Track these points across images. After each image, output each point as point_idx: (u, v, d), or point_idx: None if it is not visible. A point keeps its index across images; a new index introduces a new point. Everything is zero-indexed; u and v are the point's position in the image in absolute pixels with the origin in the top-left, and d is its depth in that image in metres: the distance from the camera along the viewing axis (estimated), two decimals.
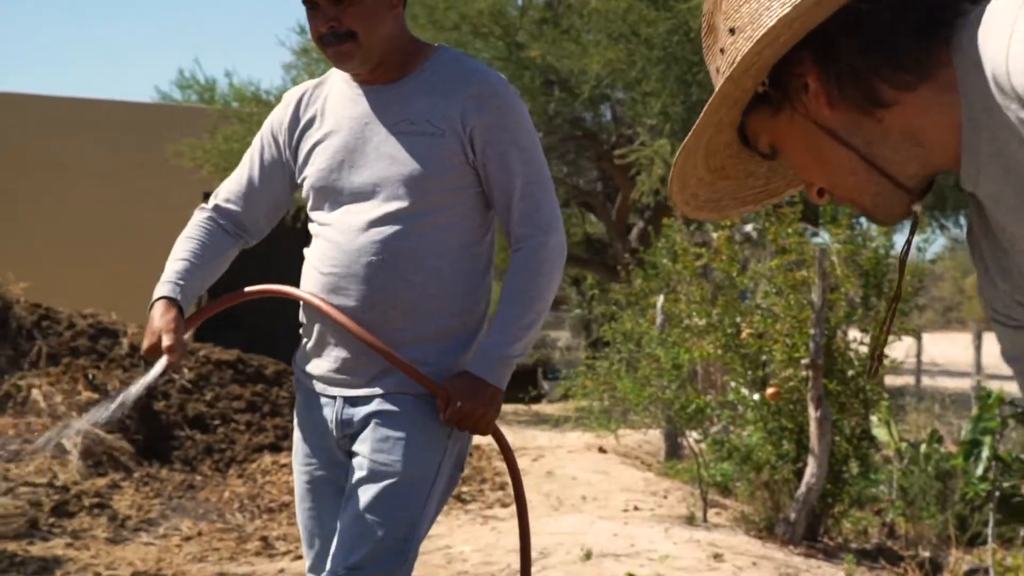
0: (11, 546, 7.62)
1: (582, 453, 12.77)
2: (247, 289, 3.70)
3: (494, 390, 3.40)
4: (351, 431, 3.45)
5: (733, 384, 9.39)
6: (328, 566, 3.37)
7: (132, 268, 21.51)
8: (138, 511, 8.56)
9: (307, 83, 3.69)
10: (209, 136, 19.03)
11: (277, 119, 3.67)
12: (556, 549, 7.68)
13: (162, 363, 3.39)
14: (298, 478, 3.61)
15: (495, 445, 13.10)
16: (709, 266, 9.80)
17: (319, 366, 3.53)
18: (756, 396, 8.84)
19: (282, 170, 3.67)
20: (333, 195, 3.50)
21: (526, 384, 18.81)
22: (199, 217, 3.71)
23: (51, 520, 8.19)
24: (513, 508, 9.17)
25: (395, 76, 3.48)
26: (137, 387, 3.50)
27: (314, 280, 3.51)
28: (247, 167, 3.71)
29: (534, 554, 7.66)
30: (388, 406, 3.41)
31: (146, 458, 9.66)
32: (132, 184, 20.94)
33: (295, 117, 3.63)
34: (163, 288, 3.49)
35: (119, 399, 3.49)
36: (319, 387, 3.53)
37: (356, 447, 3.43)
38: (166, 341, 3.36)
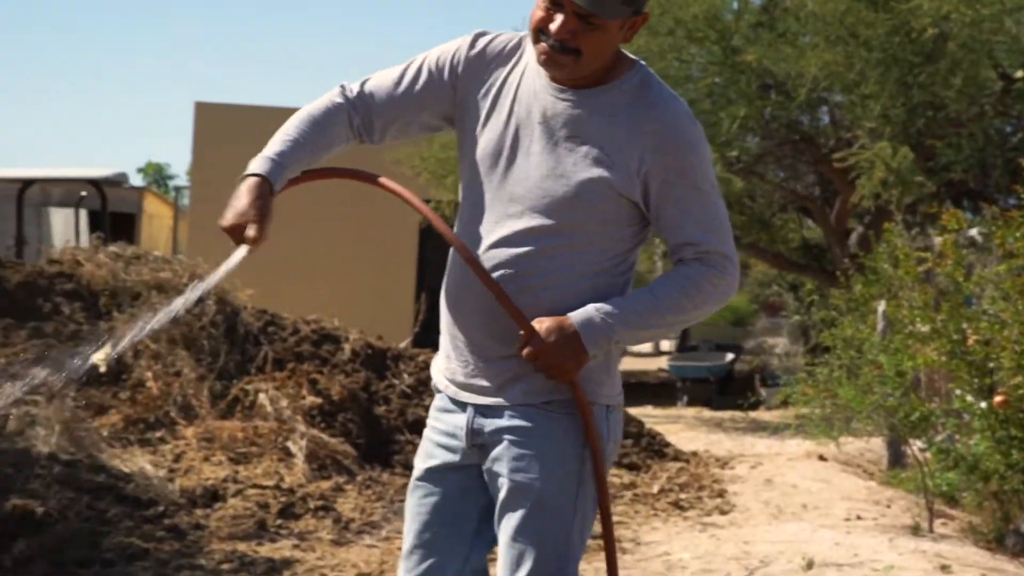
0: (241, 547, 7.86)
1: (802, 461, 12.58)
2: (381, 180, 3.54)
3: (580, 347, 3.25)
4: (481, 441, 3.39)
5: (958, 392, 9.14)
6: None
7: (352, 275, 22.01)
8: (361, 514, 8.73)
9: (504, 38, 3.51)
10: (427, 144, 19.32)
11: (463, 54, 3.48)
12: (777, 557, 7.58)
13: (242, 252, 3.26)
14: (416, 468, 3.55)
15: (713, 453, 13.00)
16: (932, 271, 9.57)
17: (451, 370, 3.47)
18: (983, 404, 8.59)
19: (438, 100, 3.51)
20: (484, 182, 3.40)
21: (744, 391, 18.62)
22: (333, 100, 3.51)
23: (278, 522, 8.42)
24: (732, 515, 9.09)
25: (583, 84, 3.35)
26: (216, 275, 3.38)
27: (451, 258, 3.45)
28: (409, 75, 3.51)
29: (754, 562, 7.57)
30: (519, 421, 3.33)
31: (368, 462, 9.85)
32: (352, 192, 21.38)
33: (481, 67, 3.47)
34: (262, 164, 3.34)
35: (198, 288, 3.43)
36: (451, 391, 3.47)
37: (493, 466, 3.37)
38: (250, 232, 3.24)
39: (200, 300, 3.45)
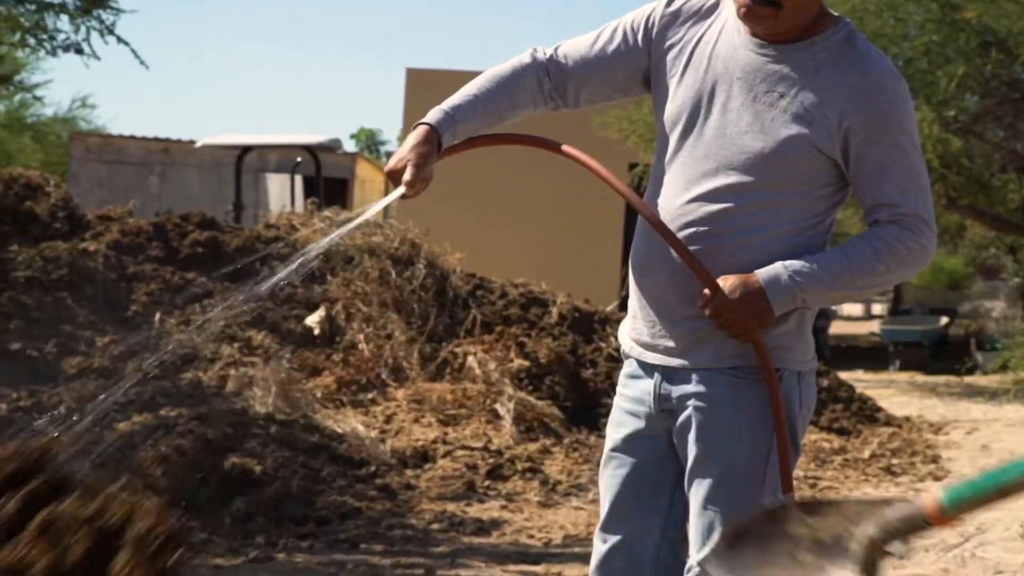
0: (450, 507, 7.99)
1: (1020, 427, 12.22)
2: (565, 148, 3.53)
3: (765, 306, 3.18)
4: (668, 406, 3.33)
5: None
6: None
7: (560, 239, 22.09)
8: (568, 476, 8.79)
9: None
10: (635, 107, 19.23)
11: (657, 14, 3.42)
12: (994, 525, 7.40)
13: (397, 193, 3.29)
14: (608, 439, 3.51)
15: (926, 418, 12.70)
16: None
17: (637, 331, 3.42)
18: None
19: (632, 60, 3.45)
20: (679, 140, 3.34)
21: (958, 355, 18.15)
22: (522, 62, 3.49)
23: (487, 483, 8.53)
24: (946, 482, 8.87)
25: (784, 39, 3.26)
26: (370, 211, 3.45)
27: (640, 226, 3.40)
28: (604, 37, 3.47)
29: (970, 528, 7.40)
30: (706, 386, 3.27)
31: (575, 424, 9.91)
32: (558, 157, 21.42)
33: (676, 25, 3.41)
34: (434, 115, 3.35)
35: (354, 220, 3.47)
36: (637, 352, 3.42)
37: (681, 432, 3.32)
38: (407, 176, 3.25)
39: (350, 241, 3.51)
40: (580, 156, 3.51)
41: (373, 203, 3.47)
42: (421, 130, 3.32)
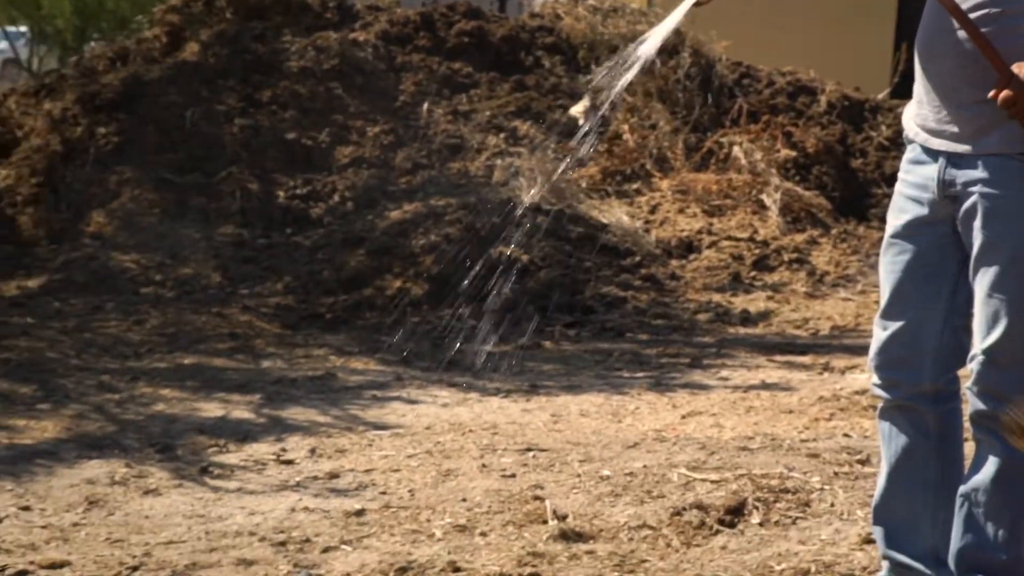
0: (716, 297, 7.99)
1: None
2: None
3: None
4: (952, 192, 3.20)
5: None
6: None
7: (828, 24, 21.40)
8: (836, 267, 8.67)
9: None
10: None
11: None
12: None
13: (689, 3, 3.25)
14: (889, 225, 3.40)
15: None
16: None
17: (922, 116, 3.29)
18: None
19: None
20: None
21: None
22: None
23: (752, 273, 8.49)
24: None
25: None
26: (670, 21, 3.39)
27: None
28: None
29: None
30: (993, 173, 3.14)
31: (843, 215, 9.72)
32: None
33: None
34: None
35: (659, 30, 3.42)
36: (922, 138, 3.29)
37: (966, 219, 3.19)
38: None
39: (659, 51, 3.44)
40: None
41: (669, 18, 3.41)
42: None
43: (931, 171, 3.29)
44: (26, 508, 4.44)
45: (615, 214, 8.95)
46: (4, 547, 4.05)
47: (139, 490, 4.65)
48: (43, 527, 4.26)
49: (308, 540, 4.11)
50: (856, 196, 10.06)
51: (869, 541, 3.95)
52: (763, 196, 9.50)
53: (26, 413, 5.62)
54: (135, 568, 3.89)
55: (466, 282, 7.54)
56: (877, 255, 3.58)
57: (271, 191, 8.88)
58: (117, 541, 4.13)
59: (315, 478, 4.78)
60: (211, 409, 5.76)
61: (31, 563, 3.85)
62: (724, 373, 6.52)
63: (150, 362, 6.58)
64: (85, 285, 7.84)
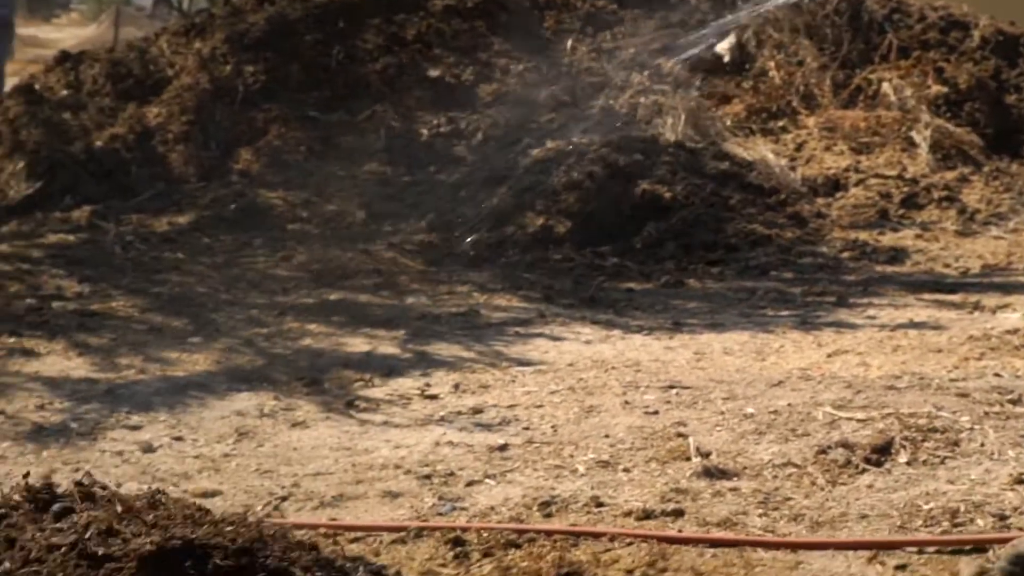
0: (862, 235, 7.86)
1: None
2: None
3: None
4: None
5: None
6: None
7: None
8: (987, 205, 8.46)
9: None
10: None
11: None
12: None
13: None
14: None
15: None
16: None
17: None
18: None
19: None
20: None
21: None
22: None
23: (900, 211, 8.33)
24: None
25: None
26: None
27: None
28: None
29: None
30: None
31: (995, 152, 9.47)
32: None
33: None
34: None
35: None
36: None
37: None
38: None
39: None
40: None
41: None
42: None
43: None
44: (179, 438, 4.56)
45: (760, 151, 8.84)
46: (158, 476, 4.16)
47: (287, 422, 4.74)
48: (195, 457, 4.37)
49: (452, 474, 4.15)
50: (1010, 133, 9.80)
51: (1021, 481, 3.88)
52: (912, 133, 9.29)
53: (178, 346, 5.76)
54: (284, 498, 3.98)
55: (609, 220, 7.53)
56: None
57: (415, 129, 8.93)
58: (266, 472, 4.22)
59: (459, 413, 4.82)
60: (357, 344, 5.83)
61: (184, 492, 3.94)
62: (871, 312, 6.41)
63: (297, 297, 6.68)
64: (234, 221, 8.00)
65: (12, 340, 5.83)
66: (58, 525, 2.64)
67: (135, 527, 2.60)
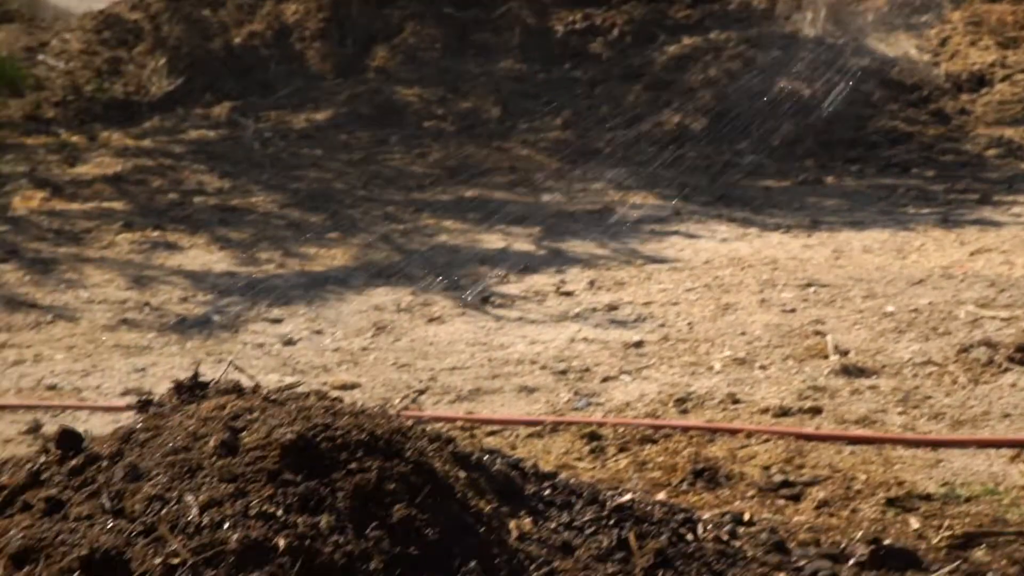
0: (1008, 132, 7.66)
1: None
2: None
3: None
4: None
5: None
6: None
7: None
8: None
9: None
10: None
11: None
12: None
13: None
14: None
15: None
16: None
17: None
18: None
19: None
20: None
21: None
22: None
23: None
24: None
25: None
26: None
27: None
28: None
29: None
30: None
31: None
32: None
33: None
34: None
35: None
36: None
37: None
38: None
39: None
40: None
41: None
42: None
43: None
44: (318, 332, 4.64)
45: (902, 47, 8.62)
46: (299, 367, 4.24)
47: (424, 317, 4.79)
48: (334, 350, 4.45)
49: (587, 369, 4.17)
50: None
51: None
52: None
53: (316, 241, 5.83)
54: (421, 392, 4.03)
55: (746, 117, 7.43)
56: None
57: (550, 26, 8.86)
58: (404, 365, 4.27)
59: (594, 310, 4.83)
60: (492, 241, 5.86)
61: (324, 384, 4.02)
62: (1016, 210, 6.28)
63: (433, 194, 6.72)
64: (370, 118, 8.03)
65: (156, 234, 5.96)
66: (204, 415, 2.70)
67: (277, 418, 2.66)
